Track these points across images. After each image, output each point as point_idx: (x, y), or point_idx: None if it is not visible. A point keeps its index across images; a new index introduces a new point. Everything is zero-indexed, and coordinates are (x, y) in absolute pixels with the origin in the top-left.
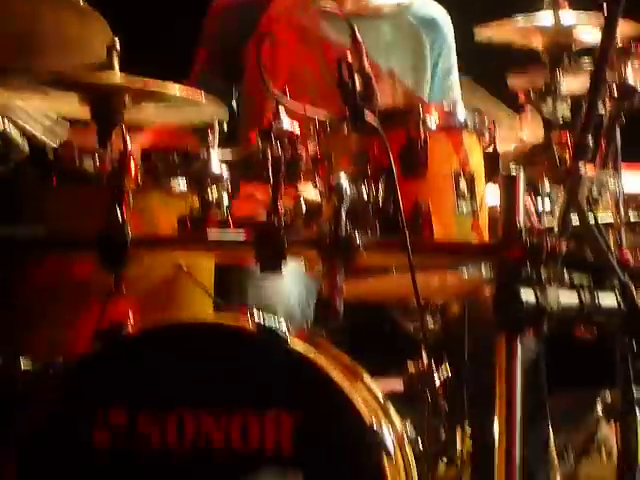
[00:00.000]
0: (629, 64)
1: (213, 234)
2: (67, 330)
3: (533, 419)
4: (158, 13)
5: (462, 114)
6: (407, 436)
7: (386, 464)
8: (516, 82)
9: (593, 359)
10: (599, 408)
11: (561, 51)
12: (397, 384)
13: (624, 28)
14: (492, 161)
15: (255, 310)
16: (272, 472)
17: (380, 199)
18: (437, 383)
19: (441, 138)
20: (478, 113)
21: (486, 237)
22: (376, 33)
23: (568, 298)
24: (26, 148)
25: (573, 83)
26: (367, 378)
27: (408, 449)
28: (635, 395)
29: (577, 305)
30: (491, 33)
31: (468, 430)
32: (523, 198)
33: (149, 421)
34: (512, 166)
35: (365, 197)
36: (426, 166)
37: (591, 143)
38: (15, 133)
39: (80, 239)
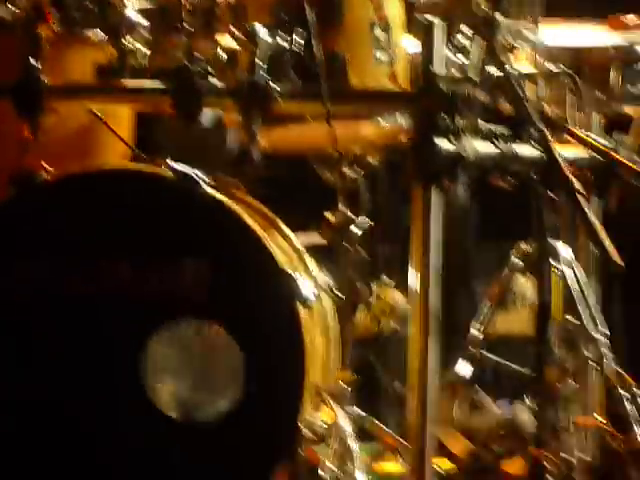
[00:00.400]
0: None
1: (130, 82)
2: None
3: (458, 270)
4: None
5: None
6: (325, 286)
7: (302, 312)
8: None
9: (510, 212)
10: (515, 259)
11: None
12: (316, 237)
13: None
14: (410, 10)
15: (172, 160)
16: (188, 320)
17: (297, 48)
18: (356, 234)
19: None
20: None
21: (404, 86)
22: None
23: (485, 147)
24: None
25: None
26: (284, 227)
27: (326, 298)
28: (550, 246)
29: (494, 154)
30: None
31: (386, 280)
32: (440, 47)
33: (65, 270)
34: (429, 16)
35: (282, 45)
36: (343, 15)
37: None
38: None
39: None
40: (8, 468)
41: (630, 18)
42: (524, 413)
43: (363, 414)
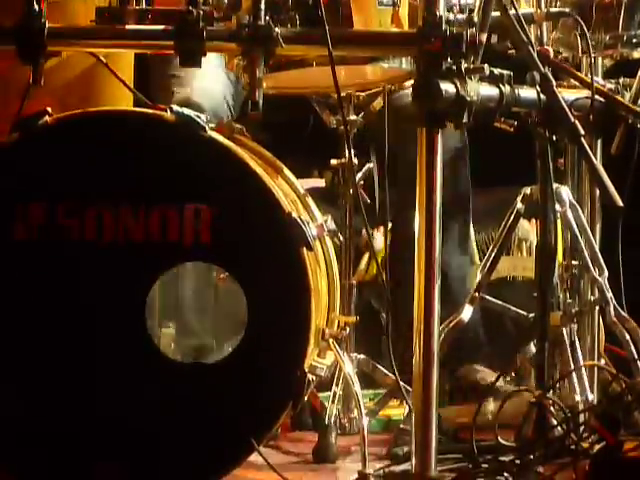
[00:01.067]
0: None
1: (132, 26)
2: None
3: (455, 213)
4: None
5: None
6: (328, 230)
7: (306, 255)
8: None
9: (514, 157)
10: (519, 204)
11: None
12: (319, 182)
13: None
14: None
15: (175, 105)
16: (192, 265)
17: None
18: (359, 178)
19: None
20: None
21: (407, 29)
22: None
23: (488, 90)
24: None
25: None
26: (287, 172)
27: (329, 242)
28: (554, 190)
29: (497, 97)
30: None
31: (390, 225)
32: None
33: (68, 214)
34: None
35: None
36: None
37: None
38: None
39: None
40: (16, 411)
41: None
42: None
43: (367, 359)
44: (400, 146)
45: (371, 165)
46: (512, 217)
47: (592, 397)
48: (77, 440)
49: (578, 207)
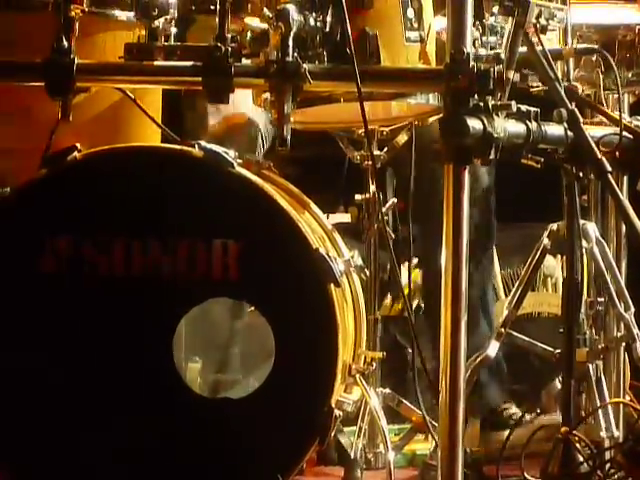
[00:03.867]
0: None
1: (160, 62)
2: (14, 160)
3: (482, 249)
4: None
5: None
6: (355, 265)
7: (333, 291)
8: None
9: (540, 193)
10: (545, 240)
11: None
12: (345, 217)
13: None
14: None
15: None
16: (220, 300)
17: (328, 27)
18: (384, 213)
19: None
20: None
21: (435, 66)
22: None
23: (515, 127)
24: None
25: None
26: (314, 208)
27: (356, 278)
28: (581, 226)
29: (524, 133)
30: None
31: (415, 261)
32: (471, 25)
33: (96, 248)
34: None
35: (313, 25)
36: None
37: None
38: None
39: (26, 66)
40: (44, 447)
41: None
42: None
43: (393, 394)
44: (426, 181)
45: (395, 200)
46: (538, 253)
47: (618, 434)
48: (104, 475)
49: (604, 243)
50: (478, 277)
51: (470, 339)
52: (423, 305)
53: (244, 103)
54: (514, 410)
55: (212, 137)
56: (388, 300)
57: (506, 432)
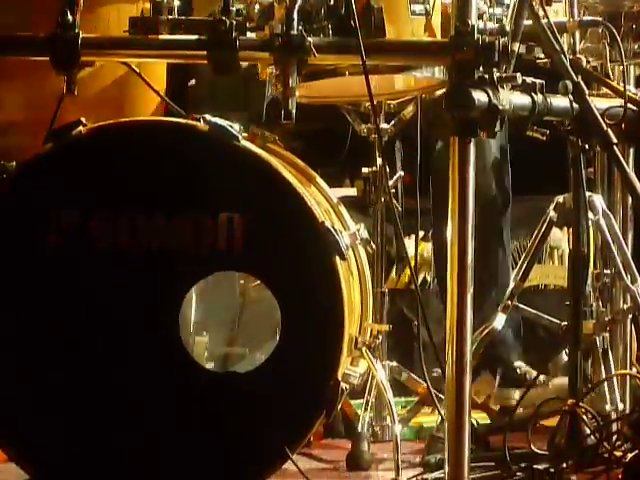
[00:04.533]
0: None
1: (164, 36)
2: (20, 135)
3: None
4: None
5: None
6: (361, 238)
7: (339, 264)
8: None
9: (546, 166)
10: (551, 213)
11: None
12: (351, 191)
13: None
14: None
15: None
16: (226, 274)
17: (332, 0)
18: (391, 187)
19: None
20: None
21: (439, 38)
22: None
23: (520, 99)
24: None
25: None
26: (320, 181)
27: (362, 251)
28: (587, 198)
29: (529, 106)
30: None
31: (421, 234)
32: None
33: (101, 222)
34: None
35: None
36: None
37: None
38: None
39: (31, 41)
40: (48, 421)
41: None
42: None
43: (400, 367)
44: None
45: (402, 173)
46: (545, 225)
47: (624, 406)
48: (109, 448)
49: (611, 215)
50: (495, 244)
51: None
52: (435, 278)
53: None
54: (527, 368)
55: None
56: (394, 273)
57: (519, 390)
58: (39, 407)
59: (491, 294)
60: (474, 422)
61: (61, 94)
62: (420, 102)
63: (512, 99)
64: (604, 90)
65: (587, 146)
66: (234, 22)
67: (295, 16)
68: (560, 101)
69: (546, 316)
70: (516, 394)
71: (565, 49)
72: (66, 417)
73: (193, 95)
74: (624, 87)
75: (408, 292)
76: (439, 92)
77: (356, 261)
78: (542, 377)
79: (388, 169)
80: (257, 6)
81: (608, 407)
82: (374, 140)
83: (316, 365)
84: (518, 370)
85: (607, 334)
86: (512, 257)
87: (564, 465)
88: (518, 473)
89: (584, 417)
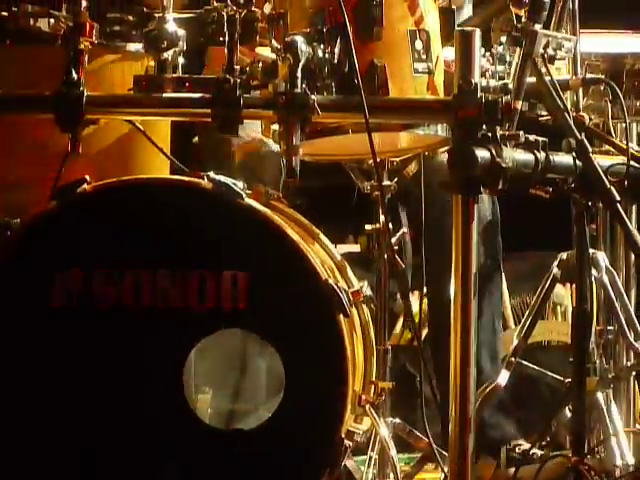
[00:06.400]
0: None
1: (169, 94)
2: (24, 192)
3: (490, 278)
4: None
5: None
6: (364, 295)
7: (342, 321)
8: None
9: (550, 222)
10: (555, 269)
11: None
12: (355, 247)
13: None
14: (448, 17)
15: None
16: (229, 331)
17: (336, 58)
18: (394, 243)
19: None
20: None
21: (443, 97)
22: None
23: (523, 157)
24: None
25: None
26: (323, 238)
27: (365, 308)
28: (590, 255)
29: (532, 163)
30: None
31: (425, 290)
32: (479, 56)
33: (106, 280)
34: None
35: (321, 56)
36: (381, 25)
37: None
38: None
39: (36, 99)
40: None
41: None
42: None
43: (403, 423)
44: (431, 211)
45: (405, 230)
46: (548, 282)
47: (629, 462)
48: None
49: (614, 272)
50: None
51: None
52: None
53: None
54: (526, 446)
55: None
56: (398, 329)
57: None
58: (41, 466)
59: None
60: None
61: (66, 151)
62: (422, 159)
63: (515, 157)
64: (607, 147)
65: (590, 203)
66: (238, 80)
67: (299, 74)
68: (563, 159)
69: (549, 373)
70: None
71: (568, 106)
72: (67, 474)
73: (198, 152)
74: (627, 144)
75: (411, 348)
76: (442, 149)
77: (360, 318)
78: (538, 451)
79: (391, 225)
80: (261, 64)
81: (615, 464)
82: (377, 197)
83: (320, 422)
84: (517, 449)
85: (610, 391)
86: (515, 313)
87: None
88: None
89: (588, 475)
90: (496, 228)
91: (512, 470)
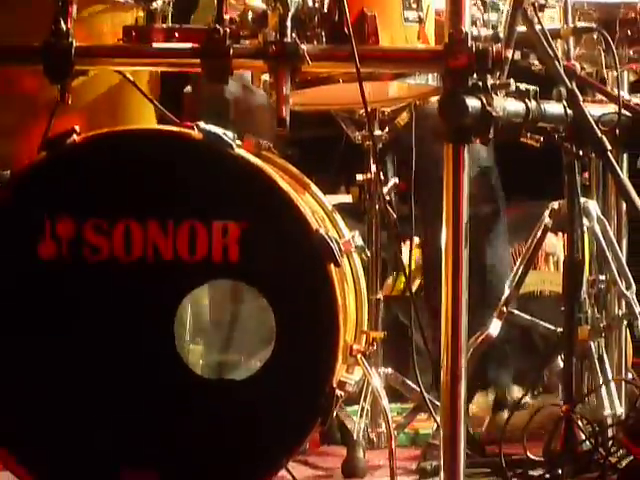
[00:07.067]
0: None
1: (158, 44)
2: (14, 143)
3: (489, 222)
4: None
5: None
6: (356, 245)
7: (333, 271)
8: None
9: (540, 172)
10: (546, 219)
11: None
12: (346, 198)
13: None
14: None
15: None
16: (220, 282)
17: (326, 7)
18: (385, 194)
19: None
20: None
21: (434, 46)
22: None
23: (514, 106)
24: None
25: None
26: (314, 188)
27: (357, 258)
28: (582, 205)
29: (523, 112)
30: None
31: (416, 240)
32: (470, 4)
33: (96, 231)
34: None
35: (311, 5)
36: None
37: None
38: None
39: (25, 50)
40: (46, 424)
41: None
42: None
43: (395, 374)
44: (424, 161)
45: (397, 180)
46: (540, 231)
47: (620, 411)
48: (107, 450)
49: (606, 221)
50: (490, 253)
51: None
52: (423, 285)
53: None
54: (518, 393)
55: None
56: (390, 280)
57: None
58: (34, 417)
59: (485, 306)
60: (470, 429)
61: (55, 103)
62: (414, 109)
63: (506, 106)
64: (598, 96)
65: (581, 152)
66: (228, 30)
67: (289, 24)
68: (554, 108)
69: (542, 322)
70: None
71: (559, 55)
72: (61, 427)
73: (188, 103)
74: (618, 93)
75: (403, 298)
76: (433, 99)
77: (351, 268)
78: (530, 398)
79: (382, 175)
80: (250, 14)
81: (606, 412)
82: (368, 147)
83: (311, 372)
84: (509, 397)
85: (602, 340)
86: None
87: (559, 471)
88: (513, 479)
89: (579, 423)
90: (493, 172)
91: (505, 416)
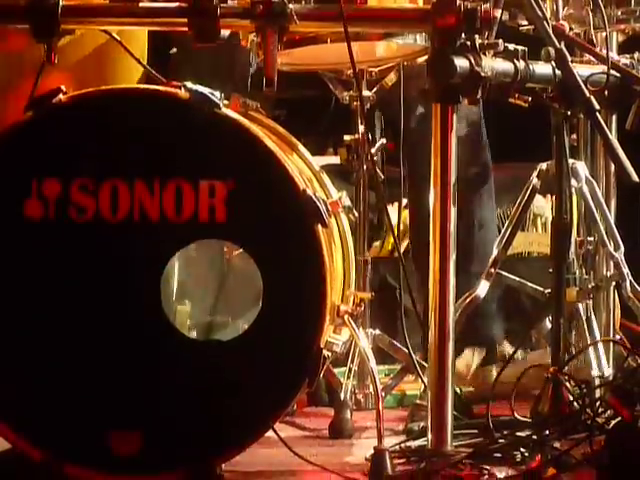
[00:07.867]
0: None
1: (145, 3)
2: (0, 102)
3: (477, 188)
4: None
5: None
6: (343, 206)
7: (321, 231)
8: None
9: (529, 133)
10: (534, 180)
11: None
12: (334, 159)
13: None
14: None
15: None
16: (207, 242)
17: None
18: (373, 154)
19: None
20: None
21: (421, 5)
22: None
23: (502, 66)
24: None
25: None
26: (302, 149)
27: (344, 219)
28: (570, 166)
29: (511, 72)
30: None
31: (404, 201)
32: None
33: (82, 191)
34: None
35: None
36: None
37: None
38: None
39: (11, 8)
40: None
41: None
42: None
43: (383, 335)
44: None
45: (384, 140)
46: (528, 193)
47: (608, 372)
48: (92, 410)
49: (594, 182)
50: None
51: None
52: (411, 246)
53: None
54: (510, 349)
55: None
56: (378, 242)
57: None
58: (20, 379)
59: (473, 267)
60: (457, 390)
61: (41, 62)
62: (402, 69)
63: (494, 66)
64: (587, 57)
65: (570, 113)
66: None
67: None
68: (543, 68)
69: (529, 283)
70: (494, 372)
71: (548, 15)
72: (47, 388)
73: (174, 63)
74: (607, 53)
75: (391, 260)
76: (421, 59)
77: (338, 229)
78: (520, 353)
79: (370, 135)
80: None
81: (594, 373)
82: (356, 107)
83: (298, 333)
84: (499, 352)
85: (590, 301)
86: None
87: (547, 432)
88: (501, 440)
89: (567, 384)
90: (482, 132)
91: (493, 371)
